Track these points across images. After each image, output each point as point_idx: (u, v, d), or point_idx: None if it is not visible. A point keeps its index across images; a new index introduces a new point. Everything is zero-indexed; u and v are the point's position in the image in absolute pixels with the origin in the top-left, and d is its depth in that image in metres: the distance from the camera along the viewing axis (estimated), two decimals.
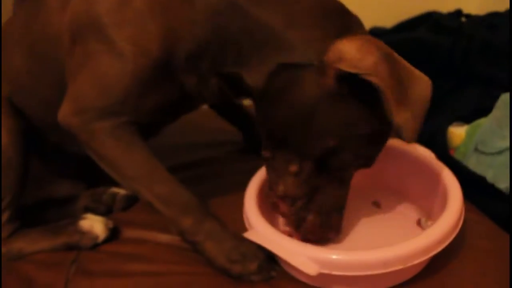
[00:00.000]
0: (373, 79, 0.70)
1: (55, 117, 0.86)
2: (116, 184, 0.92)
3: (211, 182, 1.10)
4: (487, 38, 1.32)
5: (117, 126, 0.83)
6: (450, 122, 1.19)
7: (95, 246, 0.92)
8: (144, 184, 0.85)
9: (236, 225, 0.88)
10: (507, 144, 1.05)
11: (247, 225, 0.86)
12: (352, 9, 0.81)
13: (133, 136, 0.85)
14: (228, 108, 1.17)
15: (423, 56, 1.32)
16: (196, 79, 0.85)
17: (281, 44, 0.77)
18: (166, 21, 0.80)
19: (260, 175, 0.93)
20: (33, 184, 0.98)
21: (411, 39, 1.42)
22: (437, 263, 0.82)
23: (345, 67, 0.72)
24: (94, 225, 0.93)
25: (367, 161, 0.83)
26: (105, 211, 1.02)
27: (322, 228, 0.85)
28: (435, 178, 0.91)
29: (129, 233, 0.95)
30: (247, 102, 1.07)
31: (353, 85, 0.73)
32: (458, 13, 1.52)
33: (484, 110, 1.16)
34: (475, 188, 1.02)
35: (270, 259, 0.84)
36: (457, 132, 1.16)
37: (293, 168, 0.81)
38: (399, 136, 0.74)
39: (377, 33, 1.52)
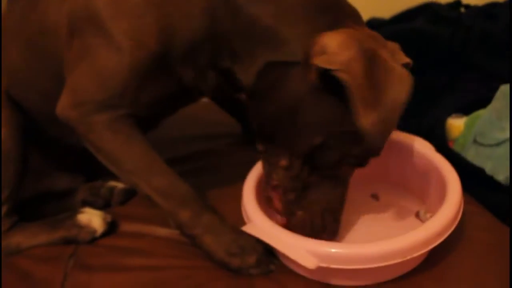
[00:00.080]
0: (343, 76, 0.69)
1: (53, 110, 0.86)
2: (115, 178, 0.92)
3: (210, 174, 1.10)
4: (486, 29, 1.32)
5: (115, 119, 0.83)
6: (449, 113, 1.18)
7: (93, 240, 0.92)
8: (142, 177, 0.85)
9: (235, 217, 0.88)
10: (506, 135, 1.04)
11: (245, 219, 0.86)
12: (351, 0, 0.81)
13: (131, 129, 0.85)
14: (228, 99, 1.17)
15: (422, 47, 1.32)
16: (193, 72, 0.84)
17: (271, 41, 0.76)
18: (163, 15, 0.79)
19: (258, 168, 0.92)
20: (31, 177, 0.97)
21: (410, 30, 1.41)
22: (436, 256, 0.82)
23: (318, 62, 0.71)
24: (92, 219, 0.93)
25: (360, 160, 0.81)
26: (103, 205, 1.02)
27: (314, 227, 0.83)
28: (434, 171, 0.91)
29: (127, 227, 0.95)
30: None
31: (337, 81, 0.71)
32: (457, 3, 1.51)
33: (483, 101, 1.15)
34: (474, 180, 1.01)
35: (269, 252, 0.84)
36: (456, 124, 1.16)
37: (283, 162, 0.81)
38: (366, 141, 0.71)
39: (375, 24, 1.51)
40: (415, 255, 0.76)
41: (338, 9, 0.78)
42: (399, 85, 0.71)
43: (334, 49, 0.70)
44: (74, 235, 0.91)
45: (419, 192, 0.97)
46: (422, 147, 0.96)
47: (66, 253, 0.89)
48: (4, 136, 0.89)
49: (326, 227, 0.84)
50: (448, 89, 1.29)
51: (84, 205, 0.99)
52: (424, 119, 1.20)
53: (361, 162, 0.82)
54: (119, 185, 1.03)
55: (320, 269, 0.75)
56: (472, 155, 1.09)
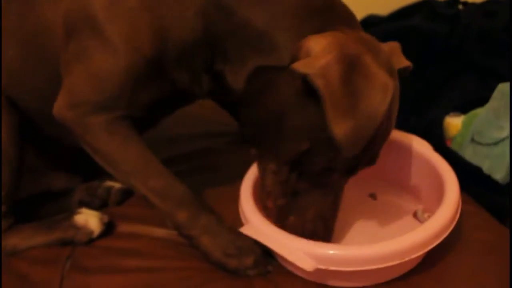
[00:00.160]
0: (317, 81, 0.67)
1: (50, 110, 0.86)
2: (111, 178, 0.92)
3: (209, 173, 1.09)
4: (484, 26, 1.32)
5: (112, 120, 0.83)
6: (446, 112, 1.18)
7: (90, 241, 0.91)
8: (139, 178, 0.85)
9: (232, 217, 0.88)
10: (504, 134, 1.04)
11: (243, 220, 0.86)
12: None
13: (127, 130, 0.84)
14: (226, 98, 1.16)
15: (419, 45, 1.31)
16: (188, 76, 0.84)
17: (262, 45, 0.76)
18: (157, 19, 0.79)
19: (255, 168, 0.92)
20: (28, 177, 0.97)
21: (407, 27, 1.41)
22: (434, 256, 0.82)
23: (297, 67, 0.69)
24: (89, 219, 0.92)
25: (350, 169, 0.80)
26: (100, 205, 1.01)
27: (305, 233, 0.81)
28: (432, 170, 0.91)
29: (124, 227, 0.95)
30: None
31: None
32: (455, 0, 1.51)
33: (481, 100, 1.15)
34: (471, 179, 1.01)
35: (267, 253, 0.84)
36: (454, 123, 1.16)
37: (272, 167, 0.81)
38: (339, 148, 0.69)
39: (373, 21, 1.50)
40: (413, 256, 0.76)
41: (331, 13, 0.77)
42: (379, 93, 0.68)
43: (317, 53, 0.69)
44: (71, 236, 0.91)
45: (416, 191, 0.97)
46: (420, 146, 0.96)
47: (63, 255, 0.88)
48: (1, 136, 0.89)
49: (317, 234, 0.82)
50: (446, 87, 1.28)
51: (81, 205, 0.99)
52: (422, 117, 1.20)
53: (352, 170, 0.80)
54: (116, 185, 1.02)
55: (318, 270, 0.75)
56: (469, 154, 1.10)
